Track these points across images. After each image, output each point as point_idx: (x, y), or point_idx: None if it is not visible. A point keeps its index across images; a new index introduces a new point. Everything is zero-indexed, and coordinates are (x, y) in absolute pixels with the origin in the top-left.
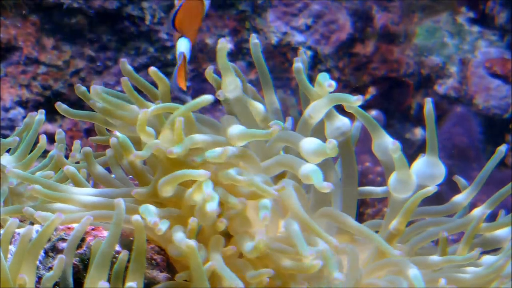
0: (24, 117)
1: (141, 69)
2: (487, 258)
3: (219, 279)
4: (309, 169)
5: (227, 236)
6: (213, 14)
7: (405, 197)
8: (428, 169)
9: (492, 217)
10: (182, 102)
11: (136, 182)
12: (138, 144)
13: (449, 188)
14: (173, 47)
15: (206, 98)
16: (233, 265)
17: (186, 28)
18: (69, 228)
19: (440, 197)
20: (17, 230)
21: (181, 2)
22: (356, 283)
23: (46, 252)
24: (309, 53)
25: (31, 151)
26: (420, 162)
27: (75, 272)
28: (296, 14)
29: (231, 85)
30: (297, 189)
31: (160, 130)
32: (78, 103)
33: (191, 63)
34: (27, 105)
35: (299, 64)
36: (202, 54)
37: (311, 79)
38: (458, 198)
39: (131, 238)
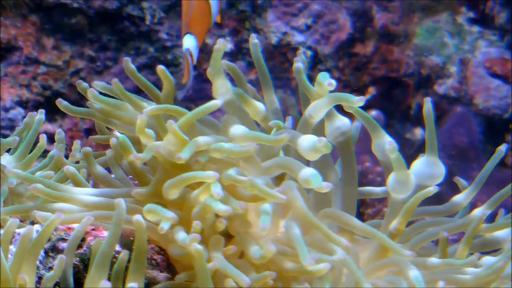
0: (24, 117)
1: (141, 69)
2: (487, 259)
3: (221, 279)
4: (308, 174)
5: (227, 236)
6: None
7: (404, 198)
8: (427, 169)
9: (492, 217)
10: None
11: (136, 182)
12: (138, 144)
13: (449, 188)
14: (173, 47)
15: (214, 104)
16: (234, 266)
17: (193, 25)
18: (69, 228)
19: (440, 197)
20: (17, 230)
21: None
22: (357, 283)
23: (46, 252)
24: (309, 53)
25: (31, 151)
26: (419, 162)
27: (75, 272)
28: (296, 14)
29: (222, 88)
30: (299, 190)
31: (159, 130)
32: (78, 103)
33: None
34: (27, 105)
35: (300, 64)
36: (202, 54)
37: (311, 79)
38: (458, 198)
39: (131, 238)
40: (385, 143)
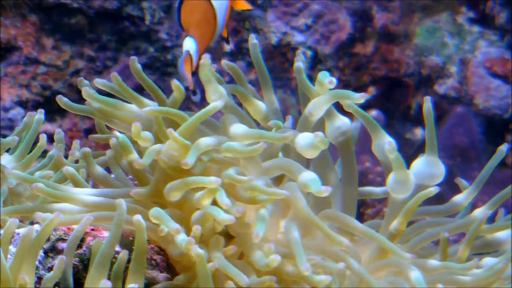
0: (23, 117)
1: None
2: (488, 260)
3: (221, 279)
4: (308, 178)
5: (227, 236)
6: None
7: (404, 198)
8: (427, 168)
9: (491, 217)
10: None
11: (136, 182)
12: (138, 143)
13: (449, 188)
14: (173, 47)
15: (213, 106)
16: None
17: (193, 27)
18: (68, 228)
19: (440, 197)
20: (17, 230)
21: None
22: (358, 283)
23: (45, 252)
24: (309, 53)
25: (31, 151)
26: (419, 162)
27: (74, 272)
28: (296, 14)
29: (214, 95)
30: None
31: (159, 133)
32: (78, 103)
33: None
34: (27, 105)
35: (300, 63)
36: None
37: (311, 79)
38: (459, 198)
39: (131, 238)
40: (385, 143)
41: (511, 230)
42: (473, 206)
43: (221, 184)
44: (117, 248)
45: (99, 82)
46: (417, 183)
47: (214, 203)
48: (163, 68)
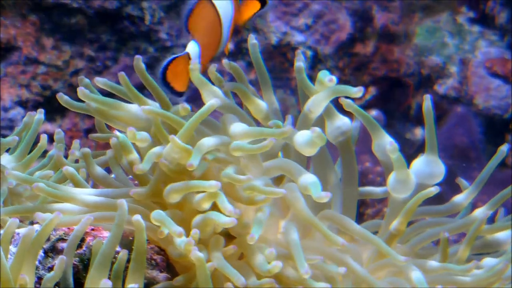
0: (23, 117)
1: None
2: (488, 261)
3: (220, 279)
4: (308, 181)
5: (227, 235)
6: None
7: (405, 197)
8: (427, 167)
9: (491, 216)
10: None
11: (136, 182)
12: None
13: (449, 188)
14: (173, 47)
15: (211, 105)
16: (234, 267)
17: (199, 34)
18: (69, 228)
19: (440, 197)
20: (17, 230)
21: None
22: (359, 282)
23: (45, 252)
24: (309, 53)
25: (31, 150)
26: (419, 161)
27: (74, 272)
28: (296, 14)
29: (209, 97)
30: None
31: (156, 132)
32: (79, 103)
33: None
34: (27, 105)
35: (301, 63)
36: None
37: (311, 79)
38: (459, 198)
39: (131, 238)
40: (385, 143)
41: (511, 230)
42: (473, 206)
43: (221, 188)
44: (117, 248)
45: (99, 81)
46: (417, 182)
47: (214, 205)
48: None
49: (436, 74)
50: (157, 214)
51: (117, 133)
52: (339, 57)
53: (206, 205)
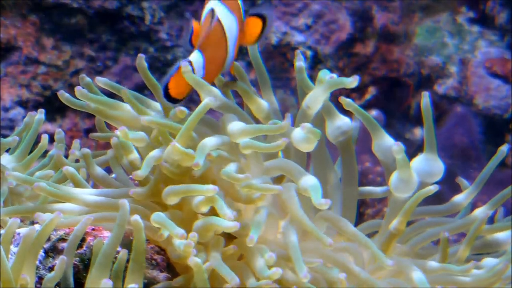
0: (24, 117)
1: None
2: (488, 261)
3: (219, 279)
4: (308, 184)
5: (227, 235)
6: None
7: (406, 197)
8: (426, 166)
9: (491, 216)
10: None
11: (137, 182)
12: None
13: (449, 188)
14: (173, 47)
15: (207, 103)
16: (233, 268)
17: (205, 47)
18: (69, 228)
19: (440, 197)
20: (17, 230)
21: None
22: (360, 284)
23: (46, 252)
24: (309, 53)
25: (31, 150)
26: (418, 159)
27: (75, 272)
28: (296, 14)
29: (207, 97)
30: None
31: (157, 135)
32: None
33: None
34: (27, 105)
35: (301, 62)
36: None
37: (312, 79)
38: (459, 198)
39: (131, 238)
40: (386, 143)
41: (511, 231)
42: (473, 206)
43: (218, 192)
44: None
45: (100, 80)
46: (419, 182)
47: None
48: (163, 68)
49: (436, 74)
50: (157, 217)
51: (118, 132)
52: (339, 57)
53: (204, 209)
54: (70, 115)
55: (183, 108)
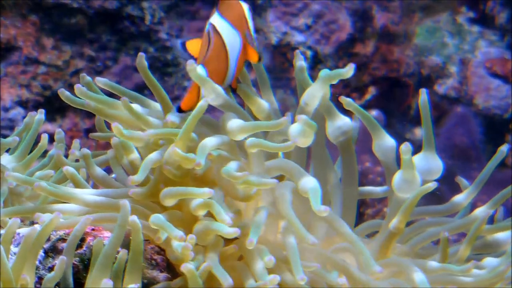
0: (24, 117)
1: None
2: (488, 260)
3: (218, 280)
4: (308, 187)
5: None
6: None
7: (408, 197)
8: (425, 163)
9: (491, 216)
10: None
11: None
12: None
13: (449, 188)
14: (173, 47)
15: (202, 105)
16: (232, 268)
17: (206, 61)
18: (69, 228)
19: (440, 196)
20: (17, 230)
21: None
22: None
23: (46, 252)
24: (309, 53)
25: (31, 150)
26: (417, 158)
27: (74, 272)
28: (296, 14)
29: (210, 94)
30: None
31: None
32: None
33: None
34: (27, 105)
35: (302, 62)
36: None
37: (312, 79)
38: (459, 198)
39: (131, 238)
40: (386, 143)
41: (511, 231)
42: (473, 206)
43: (218, 192)
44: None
45: (100, 81)
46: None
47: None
48: (163, 68)
49: (436, 74)
50: (156, 219)
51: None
52: (339, 57)
53: (201, 212)
54: (70, 115)
55: (173, 120)
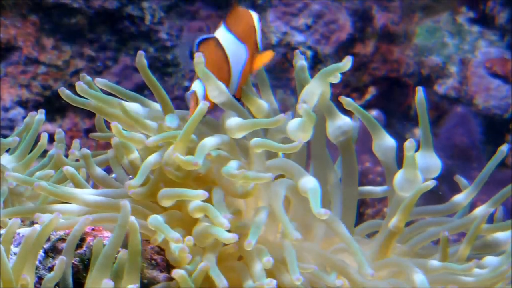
0: (24, 117)
1: None
2: (489, 259)
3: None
4: (308, 186)
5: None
6: (213, 14)
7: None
8: (423, 162)
9: (490, 216)
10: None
11: None
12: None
13: (449, 187)
14: (173, 47)
15: (202, 108)
16: (232, 268)
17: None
18: (69, 229)
19: (440, 196)
20: (17, 231)
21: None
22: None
23: (46, 252)
24: (309, 53)
25: (31, 150)
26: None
27: (74, 272)
28: (296, 14)
29: (213, 91)
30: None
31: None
32: None
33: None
34: (27, 105)
35: (303, 61)
36: None
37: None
38: (458, 197)
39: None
40: (386, 143)
41: (511, 231)
42: (473, 205)
43: (214, 196)
44: None
45: (100, 81)
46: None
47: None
48: (163, 68)
49: (436, 74)
50: (154, 220)
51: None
52: (339, 57)
53: (198, 215)
54: (70, 115)
55: (170, 125)
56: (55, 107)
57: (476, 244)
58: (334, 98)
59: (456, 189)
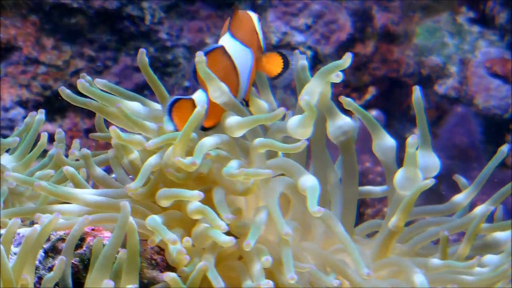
0: (24, 117)
1: None
2: (490, 258)
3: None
4: (307, 185)
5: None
6: (213, 14)
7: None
8: (422, 161)
9: (490, 215)
10: None
11: None
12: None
13: (449, 187)
14: (173, 47)
15: (199, 111)
16: (231, 268)
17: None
18: (69, 229)
19: (440, 196)
20: (17, 231)
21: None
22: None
23: (46, 252)
24: (309, 53)
25: (31, 150)
26: None
27: (74, 272)
28: (296, 14)
29: (215, 92)
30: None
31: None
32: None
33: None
34: (27, 105)
35: (304, 61)
36: None
37: None
38: (458, 197)
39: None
40: (386, 143)
41: (511, 231)
42: (473, 205)
43: (204, 198)
44: None
45: (99, 82)
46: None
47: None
48: (163, 68)
49: (436, 74)
50: (152, 221)
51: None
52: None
53: (196, 217)
54: (70, 115)
55: (168, 129)
56: (55, 107)
57: (476, 244)
58: (335, 98)
59: (457, 189)
